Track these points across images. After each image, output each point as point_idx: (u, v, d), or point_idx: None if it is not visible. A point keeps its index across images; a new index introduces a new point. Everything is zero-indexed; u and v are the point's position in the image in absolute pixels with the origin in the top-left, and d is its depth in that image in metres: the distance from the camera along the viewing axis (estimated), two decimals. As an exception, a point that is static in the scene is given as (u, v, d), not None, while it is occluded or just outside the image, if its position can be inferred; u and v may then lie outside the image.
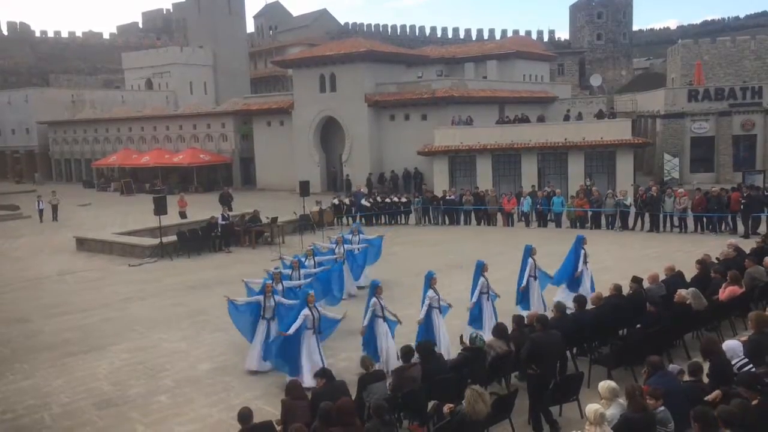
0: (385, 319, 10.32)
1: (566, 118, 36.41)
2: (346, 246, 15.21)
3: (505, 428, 7.80)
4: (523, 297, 12.44)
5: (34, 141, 57.66)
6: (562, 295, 12.81)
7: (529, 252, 12.49)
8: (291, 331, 9.78)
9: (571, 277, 13.23)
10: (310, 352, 9.88)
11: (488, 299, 11.40)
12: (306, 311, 9.93)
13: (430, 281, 10.60)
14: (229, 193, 31.05)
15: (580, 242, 13.36)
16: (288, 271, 12.92)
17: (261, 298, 10.82)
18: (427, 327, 10.42)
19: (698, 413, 5.62)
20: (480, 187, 28.37)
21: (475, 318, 11.30)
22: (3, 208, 34.36)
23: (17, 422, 9.30)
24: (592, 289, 12.87)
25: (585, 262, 13.35)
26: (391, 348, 10.09)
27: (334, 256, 14.64)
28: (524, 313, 10.80)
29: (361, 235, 16.47)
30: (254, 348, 10.76)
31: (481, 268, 11.38)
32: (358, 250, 15.68)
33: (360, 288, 15.25)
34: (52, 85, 68.29)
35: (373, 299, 10.32)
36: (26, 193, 42.56)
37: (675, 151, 35.47)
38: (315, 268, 13.71)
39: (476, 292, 11.21)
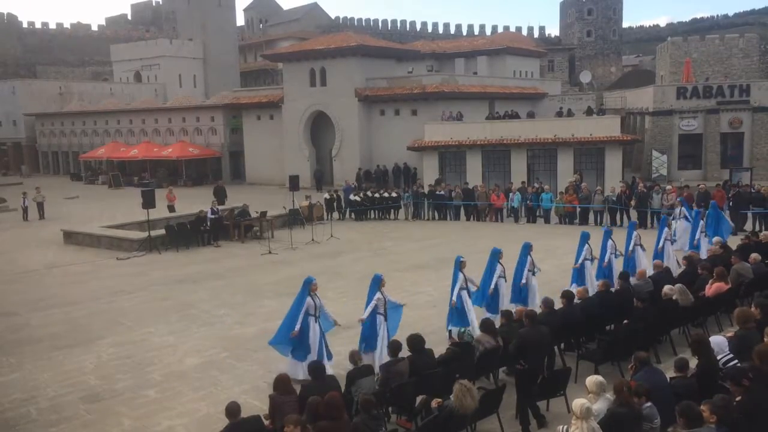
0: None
1: (559, 114, 36.53)
2: None
3: (492, 423, 7.83)
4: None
5: (21, 133, 57.09)
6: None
7: (458, 265, 11.31)
8: (366, 314, 9.93)
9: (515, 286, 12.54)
10: (384, 336, 9.91)
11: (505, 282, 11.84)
12: (379, 295, 10.02)
13: (459, 264, 11.00)
14: (223, 187, 30.91)
15: (526, 249, 12.53)
16: None
17: (306, 299, 9.89)
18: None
19: (683, 408, 5.67)
20: (469, 183, 28.42)
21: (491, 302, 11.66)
22: (-11, 200, 33.99)
23: (3, 416, 9.24)
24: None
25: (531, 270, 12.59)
26: None
27: None
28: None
29: None
30: (313, 356, 9.66)
31: (497, 256, 11.74)
32: None
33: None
34: (40, 76, 67.67)
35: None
36: (13, 186, 42.13)
37: (663, 148, 35.72)
38: None
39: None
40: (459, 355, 8.58)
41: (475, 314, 11.01)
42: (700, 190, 22.41)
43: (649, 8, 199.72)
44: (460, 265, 11.12)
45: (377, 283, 10.09)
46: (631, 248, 14.41)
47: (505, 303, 11.78)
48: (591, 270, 13.39)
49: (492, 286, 11.69)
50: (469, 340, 8.82)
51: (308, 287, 9.92)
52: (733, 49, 51.90)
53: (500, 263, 11.85)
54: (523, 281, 12.13)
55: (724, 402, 5.75)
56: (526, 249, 12.33)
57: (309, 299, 9.85)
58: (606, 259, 13.60)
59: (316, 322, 9.87)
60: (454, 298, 10.93)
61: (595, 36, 69.87)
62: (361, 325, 10.09)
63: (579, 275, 13.25)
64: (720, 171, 34.05)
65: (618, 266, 13.78)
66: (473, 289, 11.36)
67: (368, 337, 9.95)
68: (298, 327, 9.69)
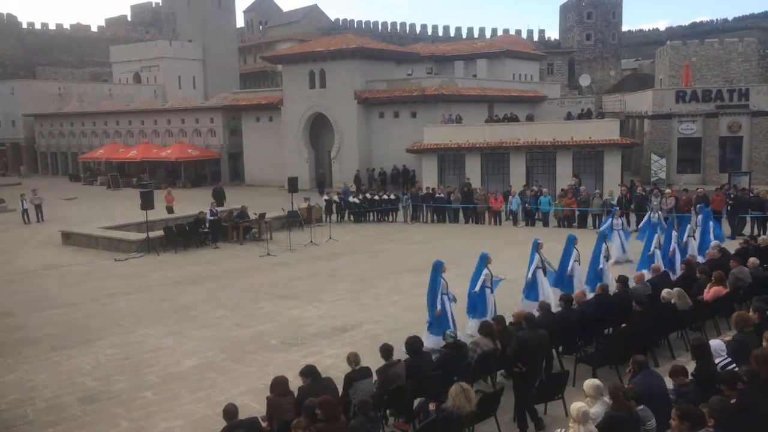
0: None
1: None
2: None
3: (490, 426, 7.82)
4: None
5: (20, 133, 57.07)
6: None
7: (535, 246, 12.81)
8: (477, 287, 11.35)
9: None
10: (491, 305, 11.42)
11: (545, 274, 12.66)
12: (486, 271, 11.38)
13: (537, 246, 12.48)
14: (222, 188, 30.88)
15: (602, 239, 14.00)
16: None
17: (441, 280, 10.92)
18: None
19: (681, 411, 5.67)
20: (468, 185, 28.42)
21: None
22: (-13, 201, 33.92)
23: (0, 417, 9.22)
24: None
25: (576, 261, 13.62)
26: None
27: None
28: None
29: None
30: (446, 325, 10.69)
31: (573, 242, 13.21)
32: None
33: None
34: (39, 77, 67.66)
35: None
36: (11, 186, 42.08)
37: (662, 151, 35.73)
38: None
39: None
40: (452, 356, 8.57)
41: (552, 292, 12.45)
42: (698, 193, 22.43)
43: (649, 12, 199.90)
44: (537, 246, 12.52)
45: (484, 260, 11.51)
46: (685, 239, 15.57)
47: (579, 285, 12.96)
48: (659, 258, 14.61)
49: (569, 269, 13.06)
50: (450, 341, 8.89)
51: (439, 269, 10.97)
52: (733, 53, 51.94)
53: (576, 248, 13.23)
54: (601, 266, 13.45)
55: (721, 405, 5.75)
56: (602, 238, 13.81)
57: (442, 280, 10.90)
58: (671, 249, 14.93)
59: (449, 300, 11.01)
60: (530, 275, 12.42)
61: (595, 39, 69.90)
62: (468, 297, 11.54)
63: (648, 263, 14.32)
64: (719, 175, 34.05)
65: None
66: (549, 269, 12.75)
67: (478, 307, 11.37)
68: (439, 306, 10.77)
